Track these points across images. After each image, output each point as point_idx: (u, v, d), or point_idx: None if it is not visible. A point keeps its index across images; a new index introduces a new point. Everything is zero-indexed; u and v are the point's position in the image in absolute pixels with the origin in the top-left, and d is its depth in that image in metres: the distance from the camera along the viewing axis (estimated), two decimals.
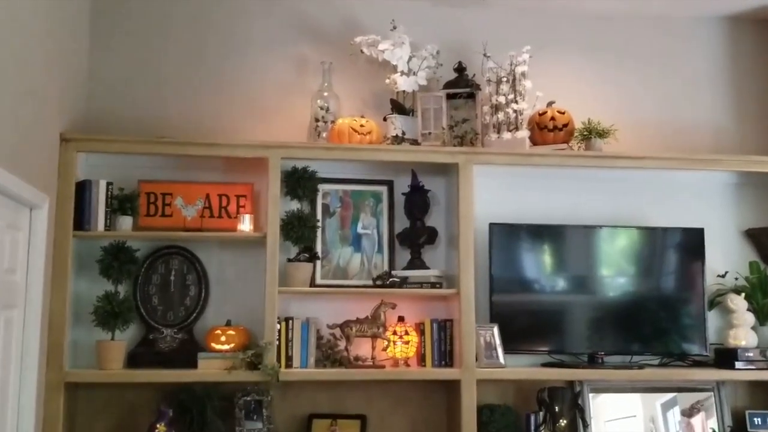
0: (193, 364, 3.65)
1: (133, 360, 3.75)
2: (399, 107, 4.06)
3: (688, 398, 4.01)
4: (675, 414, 3.98)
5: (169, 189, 3.87)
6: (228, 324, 3.81)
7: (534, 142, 4.04)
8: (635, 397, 3.99)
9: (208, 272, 3.93)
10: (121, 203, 3.73)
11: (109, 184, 3.72)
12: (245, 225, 3.79)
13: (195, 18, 4.15)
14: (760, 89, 4.52)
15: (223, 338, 3.72)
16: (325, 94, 4.06)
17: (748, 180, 4.31)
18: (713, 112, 4.46)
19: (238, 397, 3.67)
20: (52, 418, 3.44)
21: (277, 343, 3.67)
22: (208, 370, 3.62)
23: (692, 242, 4.12)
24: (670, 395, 3.99)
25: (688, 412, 4.00)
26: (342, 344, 3.83)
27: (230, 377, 3.60)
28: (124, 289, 3.80)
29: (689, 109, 4.44)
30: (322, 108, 3.99)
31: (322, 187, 4.03)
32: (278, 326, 3.69)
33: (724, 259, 4.26)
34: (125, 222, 3.73)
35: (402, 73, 4.01)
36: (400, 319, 3.92)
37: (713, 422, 3.98)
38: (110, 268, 3.73)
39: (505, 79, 4.01)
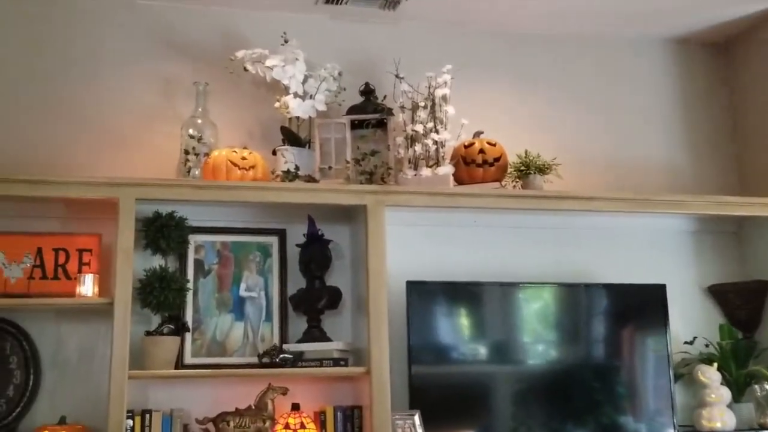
0: None
1: None
2: (292, 137, 3.25)
3: None
4: None
5: None
6: (62, 422, 2.86)
7: (459, 180, 3.30)
8: None
9: (40, 351, 3.01)
10: None
11: None
12: (86, 288, 2.89)
13: (29, 20, 3.28)
14: (713, 122, 3.94)
15: None
16: (199, 121, 3.23)
17: (707, 227, 3.70)
18: (666, 149, 3.86)
19: None
20: None
21: None
22: None
23: (652, 302, 3.41)
24: None
25: None
26: None
27: None
28: None
29: (638, 145, 3.82)
30: (192, 137, 3.15)
31: (195, 238, 3.16)
32: (129, 423, 2.79)
33: (684, 321, 3.57)
34: None
35: (296, 95, 3.22)
36: (295, 407, 3.04)
37: None
38: None
39: (422, 104, 3.27)
